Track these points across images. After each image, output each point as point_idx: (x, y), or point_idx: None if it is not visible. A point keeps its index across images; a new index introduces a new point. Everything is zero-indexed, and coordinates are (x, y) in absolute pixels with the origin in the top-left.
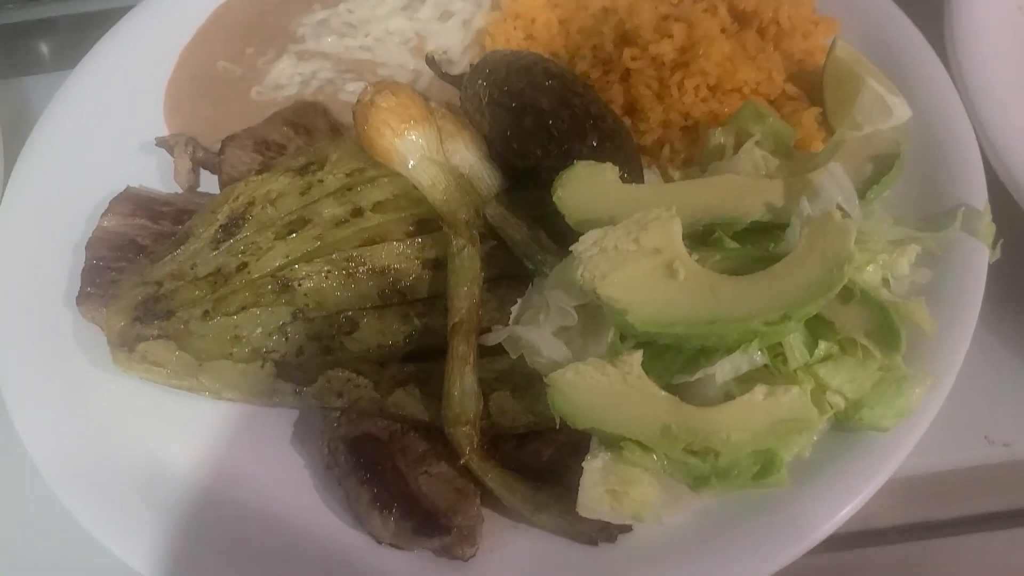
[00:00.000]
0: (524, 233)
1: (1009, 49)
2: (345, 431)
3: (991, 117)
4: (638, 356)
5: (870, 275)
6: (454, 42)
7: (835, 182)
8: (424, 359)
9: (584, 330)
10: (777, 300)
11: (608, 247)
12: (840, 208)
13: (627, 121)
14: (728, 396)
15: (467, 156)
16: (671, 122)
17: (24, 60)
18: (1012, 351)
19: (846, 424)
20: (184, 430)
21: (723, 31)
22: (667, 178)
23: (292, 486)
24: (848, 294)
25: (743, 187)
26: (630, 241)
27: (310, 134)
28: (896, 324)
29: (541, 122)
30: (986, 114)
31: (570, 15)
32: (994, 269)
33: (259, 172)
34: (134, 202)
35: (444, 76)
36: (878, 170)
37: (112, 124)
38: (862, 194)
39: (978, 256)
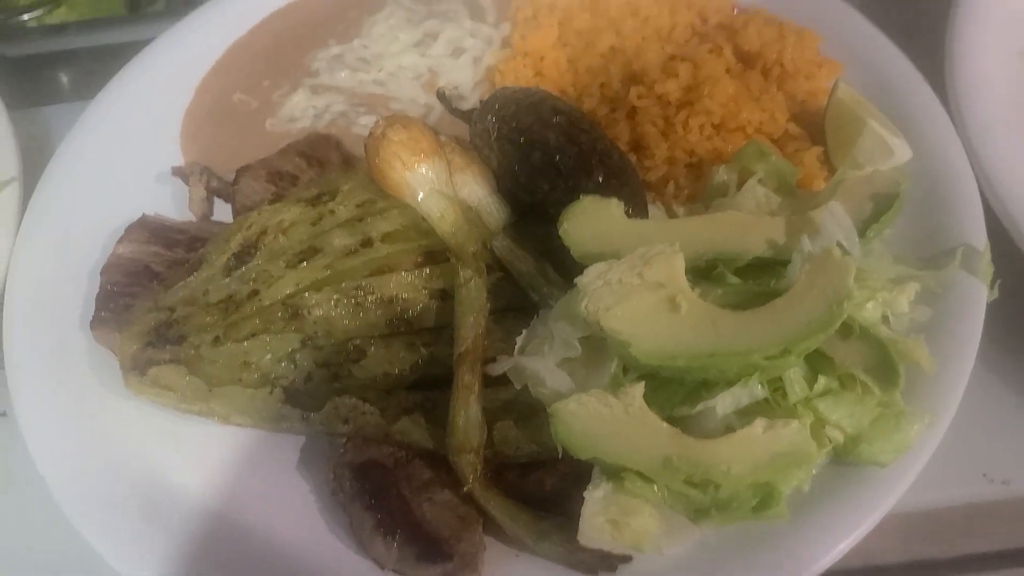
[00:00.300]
0: (530, 265)
1: (1008, 93)
2: (351, 457)
3: (990, 159)
4: (640, 388)
5: (870, 312)
6: (465, 78)
7: (835, 220)
8: (430, 388)
9: (587, 361)
10: (777, 335)
11: (612, 280)
12: (840, 246)
13: (633, 158)
14: (729, 429)
15: (476, 189)
16: (676, 159)
17: (45, 90)
18: (1011, 389)
19: (845, 459)
20: (193, 454)
21: (728, 72)
22: (671, 214)
23: (297, 511)
24: (847, 330)
25: (745, 224)
26: (634, 275)
27: (322, 166)
28: (894, 361)
29: (548, 158)
30: (985, 156)
31: (579, 54)
32: (992, 308)
33: (272, 202)
34: (149, 229)
35: (454, 111)
36: (878, 209)
37: (129, 153)
38: (862, 232)
39: (977, 295)
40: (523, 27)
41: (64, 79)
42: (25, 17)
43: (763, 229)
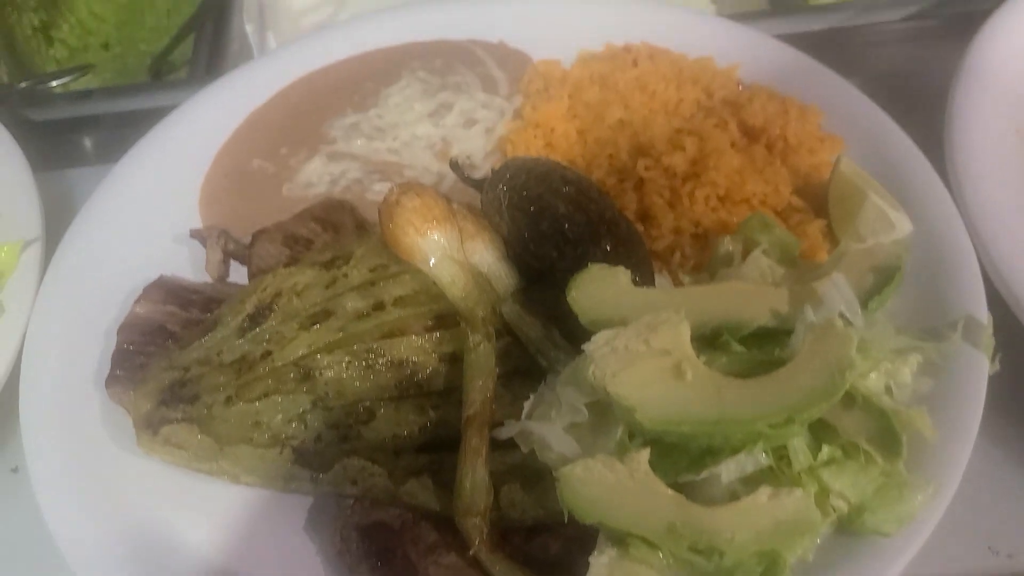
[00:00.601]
0: (539, 331)
1: (1006, 170)
2: (358, 519)
3: (990, 233)
4: (645, 454)
5: (873, 382)
6: (477, 148)
7: (838, 291)
8: (438, 450)
9: (594, 426)
10: (781, 403)
11: (619, 347)
12: (842, 316)
13: (640, 227)
14: (733, 496)
15: (486, 256)
16: (682, 229)
17: (70, 153)
18: (1015, 462)
19: (849, 528)
20: (202, 513)
21: (733, 145)
22: (677, 283)
23: (304, 571)
24: (850, 400)
25: (750, 293)
26: (640, 342)
27: (337, 230)
28: (897, 430)
29: (557, 226)
30: (984, 230)
31: (588, 126)
32: (995, 381)
33: (287, 265)
34: (166, 290)
35: (467, 180)
36: (879, 281)
37: (150, 216)
38: (864, 304)
39: (979, 367)
40: (534, 99)
41: (88, 143)
42: (53, 84)
43: (767, 299)
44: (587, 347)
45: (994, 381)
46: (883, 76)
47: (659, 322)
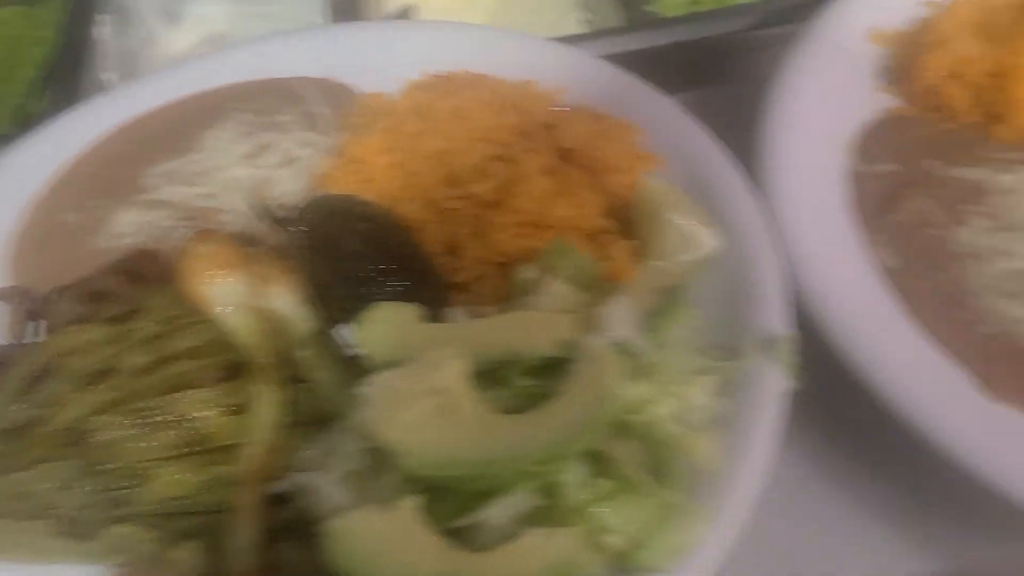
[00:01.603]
0: (334, 376)
1: (821, 180)
2: None
3: (800, 246)
4: (412, 501)
5: (658, 408)
6: (296, 187)
7: (619, 315)
8: (219, 510)
9: (371, 474)
10: (547, 438)
11: (394, 388)
12: (623, 341)
13: (449, 260)
14: (512, 540)
15: (286, 300)
16: (487, 259)
17: None
18: (823, 483)
19: (624, 566)
20: None
21: (544, 169)
22: (482, 316)
23: None
24: (626, 429)
25: (536, 323)
26: (414, 382)
27: (142, 282)
28: (672, 459)
29: (351, 266)
30: (795, 243)
31: (405, 158)
32: (806, 400)
33: (80, 322)
34: None
35: (273, 221)
36: (668, 302)
37: None
38: (653, 326)
39: (777, 385)
40: (356, 134)
41: None
42: None
43: (553, 328)
44: (362, 390)
45: (806, 400)
46: (740, 87)
47: (436, 359)
